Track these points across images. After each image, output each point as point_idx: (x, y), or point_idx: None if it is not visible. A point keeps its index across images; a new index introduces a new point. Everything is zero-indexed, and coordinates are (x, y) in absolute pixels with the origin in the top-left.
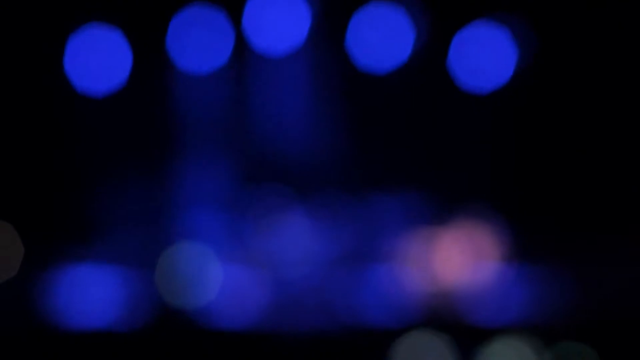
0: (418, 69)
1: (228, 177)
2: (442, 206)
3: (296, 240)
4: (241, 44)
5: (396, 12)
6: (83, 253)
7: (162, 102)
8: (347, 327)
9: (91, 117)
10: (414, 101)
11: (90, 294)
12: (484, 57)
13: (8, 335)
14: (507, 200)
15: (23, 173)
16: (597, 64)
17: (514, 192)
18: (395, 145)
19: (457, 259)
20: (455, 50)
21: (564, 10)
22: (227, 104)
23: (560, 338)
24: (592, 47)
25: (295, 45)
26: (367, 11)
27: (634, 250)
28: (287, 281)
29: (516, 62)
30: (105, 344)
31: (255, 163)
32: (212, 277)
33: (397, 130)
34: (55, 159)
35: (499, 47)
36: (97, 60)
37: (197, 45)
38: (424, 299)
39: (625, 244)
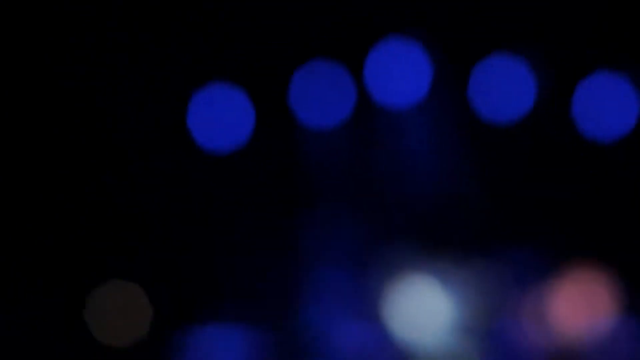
0: (541, 119)
1: (354, 234)
2: (558, 260)
3: (423, 299)
4: (363, 98)
5: (517, 63)
6: (212, 313)
7: (286, 159)
8: None
9: (215, 174)
10: (536, 152)
11: (220, 356)
12: (608, 106)
13: None
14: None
15: (150, 233)
16: None
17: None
18: (520, 199)
19: (577, 313)
20: (579, 100)
21: None
22: (351, 158)
23: None
24: None
25: (417, 98)
26: (489, 62)
27: None
28: (413, 342)
29: None
30: None
31: (381, 219)
32: (337, 338)
33: (521, 182)
34: (179, 217)
35: (625, 96)
36: (220, 118)
37: (319, 100)
38: (546, 355)
39: None
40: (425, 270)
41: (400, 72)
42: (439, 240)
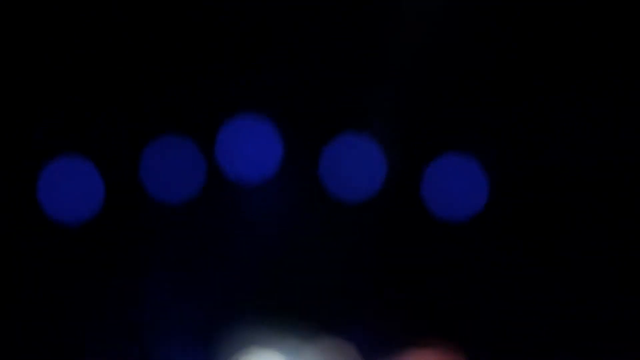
0: (390, 198)
1: (201, 307)
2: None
3: None
4: (214, 173)
5: (368, 143)
6: None
7: (135, 231)
8: None
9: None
10: (386, 230)
11: None
12: (456, 187)
13: None
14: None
15: None
16: None
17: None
18: (369, 275)
19: None
20: (428, 181)
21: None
22: (200, 231)
23: None
24: None
25: (268, 174)
26: (340, 142)
27: None
28: None
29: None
30: None
31: (230, 292)
32: None
33: (371, 258)
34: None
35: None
36: (70, 190)
37: (169, 174)
38: None
39: None
40: (272, 346)
41: (251, 148)
42: (286, 316)
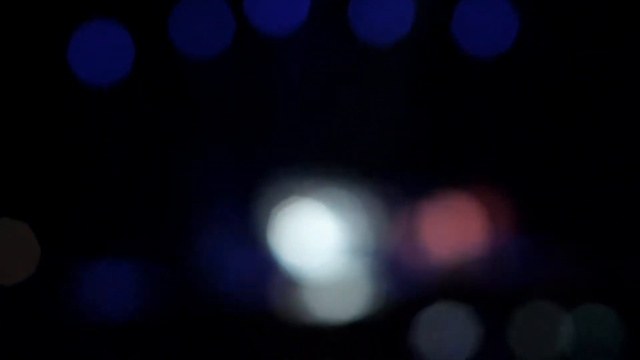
0: (421, 38)
1: (238, 160)
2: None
3: (309, 223)
4: (243, 26)
5: None
6: (100, 248)
7: (168, 91)
8: (367, 309)
9: (96, 110)
10: (418, 74)
11: (112, 291)
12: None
13: (27, 331)
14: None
15: (34, 169)
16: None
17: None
18: (403, 121)
19: (467, 230)
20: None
21: None
22: (233, 88)
23: (580, 302)
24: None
25: (297, 24)
26: None
27: None
28: (301, 266)
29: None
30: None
31: (266, 145)
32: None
33: (404, 105)
34: (64, 151)
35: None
36: (100, 53)
37: (199, 30)
38: (440, 274)
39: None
40: (311, 193)
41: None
42: (323, 164)
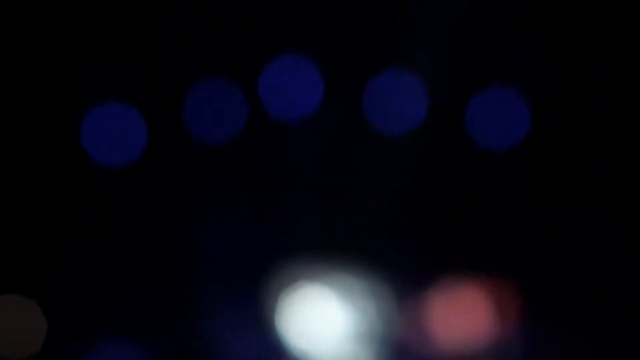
0: (434, 130)
1: (248, 242)
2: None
3: (318, 307)
4: (256, 112)
5: (410, 77)
6: (106, 327)
7: (180, 173)
8: None
9: (106, 189)
10: (429, 161)
11: None
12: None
13: None
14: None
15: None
16: None
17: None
18: (413, 209)
19: (473, 320)
20: (471, 113)
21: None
22: (244, 170)
23: None
24: None
25: (310, 111)
26: (382, 77)
27: None
28: (308, 350)
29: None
30: None
31: (276, 228)
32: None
33: (415, 192)
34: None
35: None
36: (113, 135)
37: (213, 115)
38: None
39: None
40: (320, 279)
41: (293, 86)
42: (333, 249)
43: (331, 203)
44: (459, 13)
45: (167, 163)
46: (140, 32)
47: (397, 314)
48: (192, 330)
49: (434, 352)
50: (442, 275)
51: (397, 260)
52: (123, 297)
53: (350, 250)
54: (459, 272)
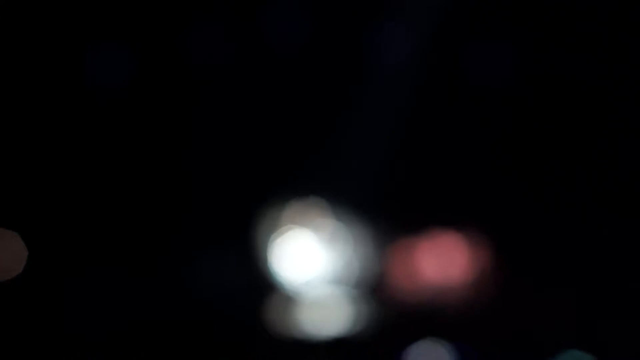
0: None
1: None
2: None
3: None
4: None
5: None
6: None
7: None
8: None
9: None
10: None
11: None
12: None
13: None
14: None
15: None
16: None
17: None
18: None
19: (450, 266)
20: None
21: None
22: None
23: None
24: None
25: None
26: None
27: None
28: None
29: None
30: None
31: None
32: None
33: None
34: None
35: None
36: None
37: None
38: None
39: None
40: (304, 223)
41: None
42: (320, 194)
43: (320, 148)
44: None
45: (160, 85)
46: None
47: (378, 259)
48: (181, 267)
49: (412, 297)
50: (425, 224)
51: (381, 207)
52: (112, 230)
53: (336, 196)
54: (441, 223)
